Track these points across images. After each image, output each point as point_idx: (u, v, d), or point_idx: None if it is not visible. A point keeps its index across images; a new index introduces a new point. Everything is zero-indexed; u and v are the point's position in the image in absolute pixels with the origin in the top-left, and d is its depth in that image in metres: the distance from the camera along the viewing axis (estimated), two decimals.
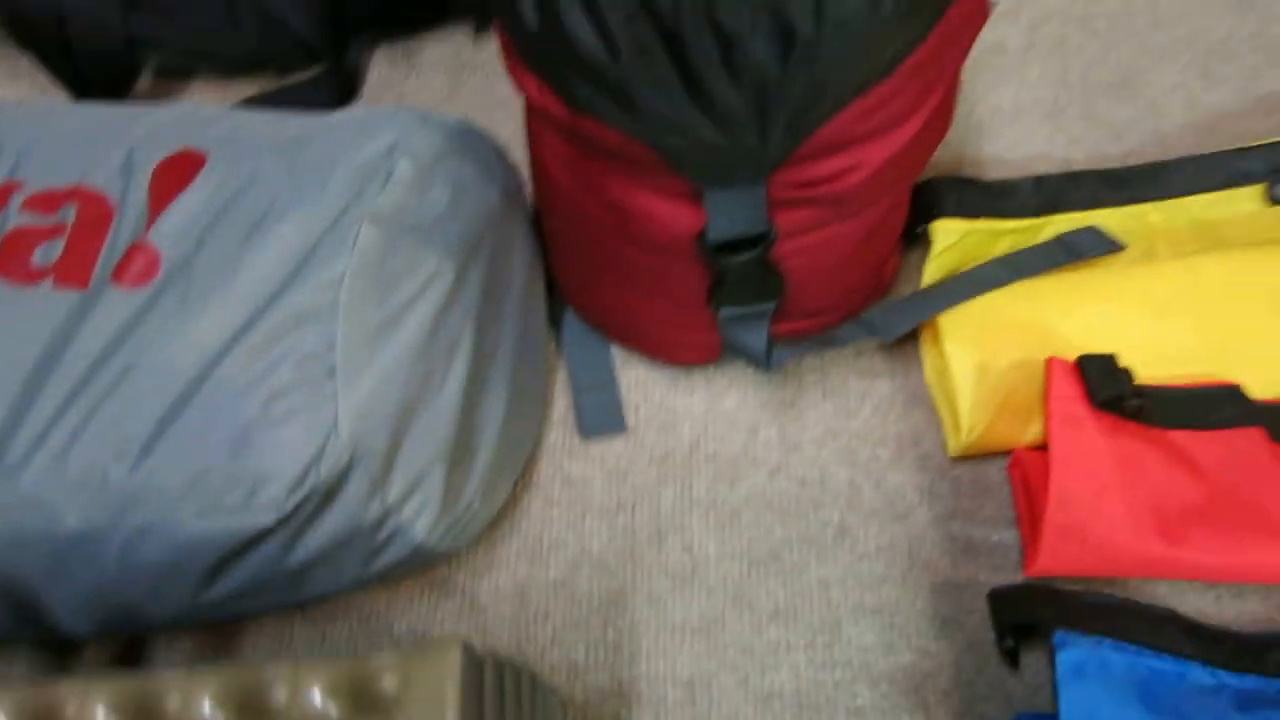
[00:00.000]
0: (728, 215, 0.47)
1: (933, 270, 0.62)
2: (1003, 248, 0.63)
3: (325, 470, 0.45)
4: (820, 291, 0.56)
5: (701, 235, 0.48)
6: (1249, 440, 0.53)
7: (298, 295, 0.47)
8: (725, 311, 0.53)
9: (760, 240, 0.49)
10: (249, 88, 0.77)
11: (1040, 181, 0.64)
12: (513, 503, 0.61)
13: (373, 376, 0.47)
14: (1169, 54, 0.72)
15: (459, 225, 0.52)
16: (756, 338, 0.54)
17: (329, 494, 0.46)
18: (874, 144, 0.46)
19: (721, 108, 0.42)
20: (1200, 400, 0.54)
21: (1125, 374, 0.53)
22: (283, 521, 0.46)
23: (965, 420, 0.57)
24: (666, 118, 0.42)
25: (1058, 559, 0.51)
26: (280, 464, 0.45)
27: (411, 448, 0.49)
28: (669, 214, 0.48)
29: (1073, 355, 0.55)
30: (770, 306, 0.53)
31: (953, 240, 0.62)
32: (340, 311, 0.47)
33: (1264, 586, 0.55)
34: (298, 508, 0.45)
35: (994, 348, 0.57)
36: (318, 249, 0.48)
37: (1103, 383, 0.52)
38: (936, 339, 0.59)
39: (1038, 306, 0.58)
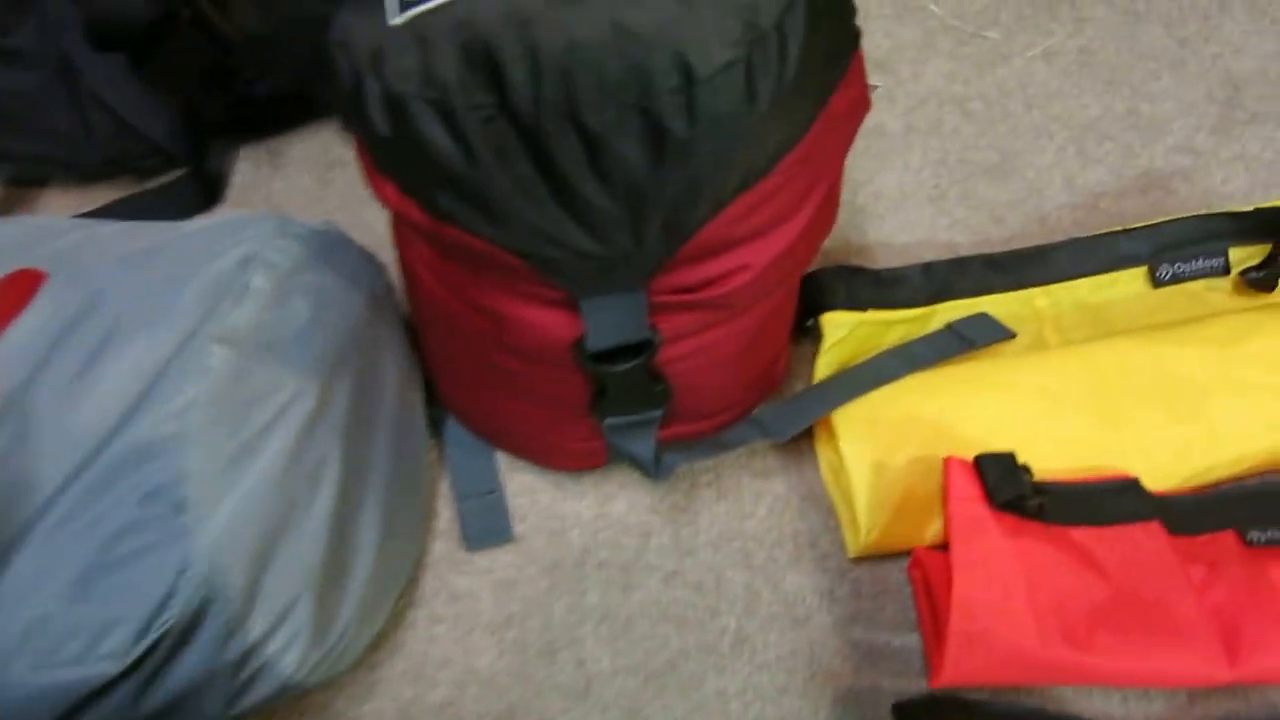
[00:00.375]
0: (606, 324, 0.45)
1: (824, 364, 0.60)
2: (894, 338, 0.62)
3: (177, 611, 0.41)
4: (709, 394, 0.54)
5: (580, 344, 0.46)
6: (1148, 535, 0.53)
7: (142, 425, 0.43)
8: (610, 420, 0.51)
9: (642, 348, 0.46)
10: (107, 194, 0.73)
11: (929, 269, 0.64)
12: (395, 621, 0.57)
13: (229, 508, 0.43)
14: (1044, 134, 0.72)
15: (321, 339, 0.48)
16: (644, 446, 0.51)
17: (183, 636, 0.42)
18: (758, 244, 0.44)
19: (592, 213, 0.39)
20: (1098, 495, 0.53)
21: (1025, 472, 0.52)
22: (131, 669, 0.41)
23: (863, 521, 0.55)
24: (533, 224, 0.39)
25: (963, 670, 0.49)
26: (125, 608, 0.41)
27: (275, 580, 0.45)
28: (544, 322, 0.45)
29: (970, 449, 0.53)
30: (657, 414, 0.51)
31: (843, 333, 0.61)
32: (190, 441, 0.43)
33: (1170, 689, 0.55)
34: (147, 653, 0.41)
35: (889, 444, 0.56)
36: (166, 373, 0.44)
37: (1003, 484, 0.50)
38: (831, 436, 0.58)
39: (932, 400, 0.57)
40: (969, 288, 0.63)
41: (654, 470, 0.52)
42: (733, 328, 0.49)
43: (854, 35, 0.42)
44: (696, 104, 0.36)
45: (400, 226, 0.48)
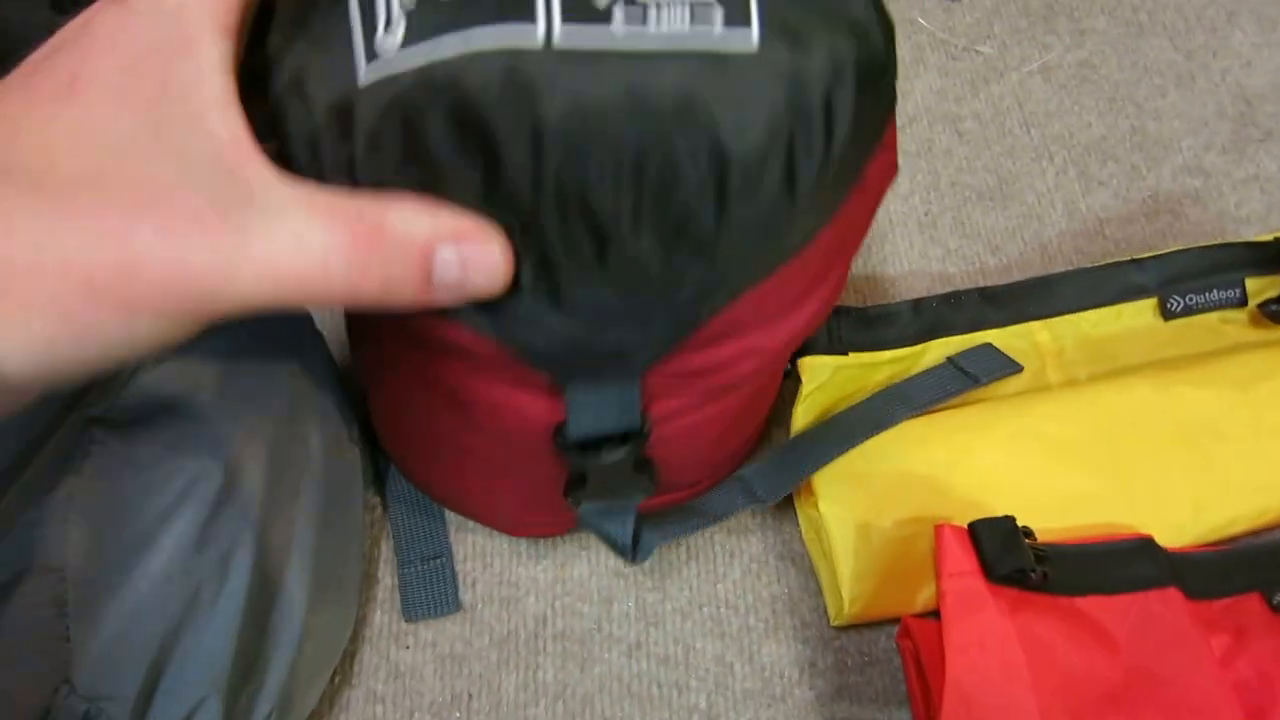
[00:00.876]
0: (593, 412, 0.37)
1: (802, 412, 0.54)
2: (880, 380, 0.56)
3: None
4: (695, 467, 0.49)
5: (560, 430, 0.39)
6: (1165, 603, 0.47)
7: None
8: (586, 506, 0.44)
9: (630, 437, 0.39)
10: None
11: (918, 305, 0.58)
12: (328, 701, 0.51)
13: (117, 611, 0.38)
14: (1043, 155, 0.67)
15: (227, 409, 0.42)
16: (622, 530, 0.45)
17: None
18: (773, 326, 0.37)
19: (589, 308, 0.32)
20: (1110, 558, 0.48)
21: (1025, 539, 0.46)
22: None
23: (847, 590, 0.50)
24: (519, 315, 0.32)
25: None
26: None
27: (176, 683, 0.39)
28: (519, 405, 0.38)
29: (964, 506, 0.48)
30: (638, 500, 0.44)
31: (824, 377, 0.55)
32: (68, 540, 0.37)
33: None
34: None
35: (875, 505, 0.50)
36: (34, 466, 0.38)
37: (1001, 555, 0.45)
38: (811, 495, 0.52)
39: (921, 452, 0.51)
40: (963, 323, 0.58)
41: (632, 557, 0.46)
42: (728, 403, 0.43)
43: (893, 96, 0.34)
44: (727, 192, 0.29)
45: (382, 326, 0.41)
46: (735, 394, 0.42)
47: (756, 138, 0.28)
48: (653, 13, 0.27)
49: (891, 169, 0.37)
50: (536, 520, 0.52)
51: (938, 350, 0.57)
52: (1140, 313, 0.59)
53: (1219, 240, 0.60)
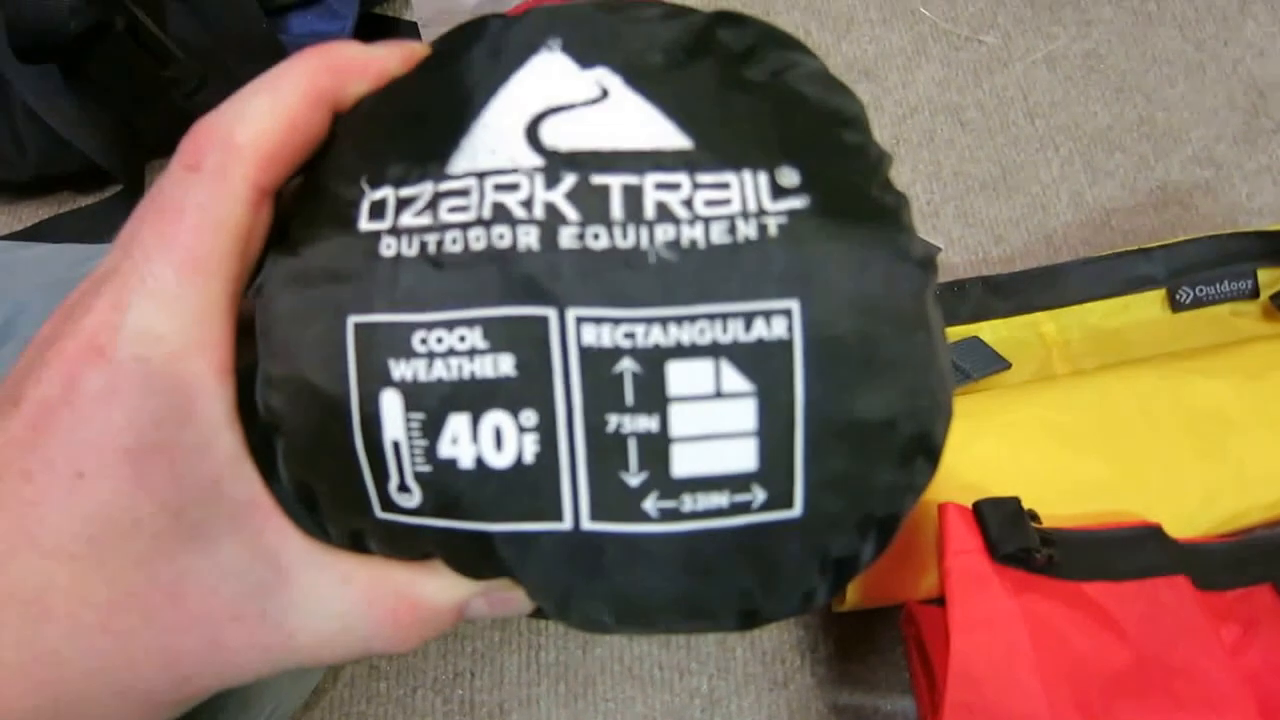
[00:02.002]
0: None
1: None
2: None
3: None
4: None
5: None
6: (1173, 591, 0.47)
7: None
8: None
9: None
10: (38, 212, 0.68)
11: None
12: (331, 676, 0.51)
13: None
14: (1048, 145, 0.67)
15: None
16: None
17: None
18: None
19: None
20: (1117, 545, 0.47)
21: (1031, 520, 0.46)
22: None
23: None
24: None
25: None
26: None
27: None
28: None
29: (969, 494, 0.47)
30: None
31: None
32: None
33: None
34: None
35: None
36: None
37: (1006, 534, 0.44)
38: None
39: None
40: (966, 312, 0.58)
41: None
42: None
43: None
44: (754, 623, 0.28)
45: None
46: None
47: (787, 603, 0.27)
48: (688, 496, 0.24)
49: None
50: None
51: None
52: (1149, 304, 0.59)
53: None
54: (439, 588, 0.26)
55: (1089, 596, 0.45)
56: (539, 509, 0.24)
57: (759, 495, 0.24)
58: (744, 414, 0.24)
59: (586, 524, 0.24)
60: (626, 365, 0.23)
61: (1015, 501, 0.46)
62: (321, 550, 0.25)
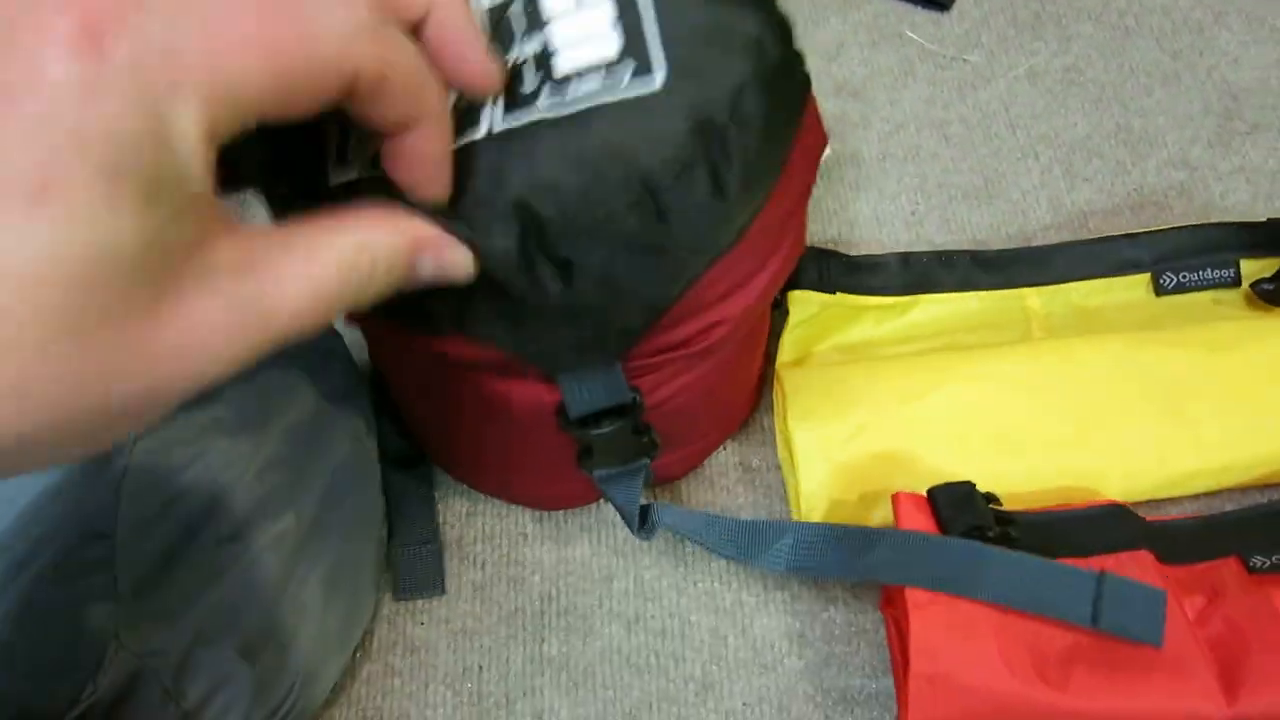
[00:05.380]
0: (585, 394, 0.43)
1: (790, 343, 0.58)
2: (866, 324, 0.59)
3: (106, 684, 0.40)
4: (696, 421, 0.52)
5: (560, 411, 0.44)
6: (1136, 565, 0.49)
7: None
8: (599, 472, 0.49)
9: (626, 410, 0.44)
10: None
11: (907, 259, 0.61)
12: (349, 675, 0.55)
13: (164, 589, 0.42)
14: (1029, 154, 0.69)
15: (260, 394, 0.47)
16: (630, 497, 0.49)
17: (113, 708, 0.41)
18: (732, 299, 0.42)
19: (567, 315, 0.38)
20: (1080, 523, 0.50)
21: (989, 502, 0.48)
22: None
23: (804, 490, 0.53)
24: (530, 332, 0.39)
25: (929, 714, 0.46)
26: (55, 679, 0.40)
27: (213, 646, 0.44)
28: (523, 393, 0.44)
29: (935, 445, 0.51)
30: (647, 461, 0.49)
31: (812, 311, 0.59)
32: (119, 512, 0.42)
33: None
34: None
35: (841, 419, 0.54)
36: None
37: (957, 515, 0.47)
38: (784, 411, 0.55)
39: (892, 383, 0.55)
40: (953, 283, 0.61)
41: (638, 529, 0.50)
42: (711, 363, 0.47)
43: (803, 85, 0.40)
44: (662, 208, 0.35)
45: (390, 339, 0.47)
46: (715, 355, 0.46)
47: (673, 163, 0.34)
48: (572, 85, 0.34)
49: (818, 142, 0.41)
50: (556, 494, 0.56)
51: (927, 305, 0.60)
52: (1132, 287, 0.61)
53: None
54: (389, 239, 0.28)
55: None
56: (466, 127, 0.33)
57: (627, 69, 0.34)
58: (604, 15, 0.34)
59: (499, 126, 0.33)
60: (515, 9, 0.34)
61: (968, 485, 0.49)
62: (282, 232, 0.26)
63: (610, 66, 0.34)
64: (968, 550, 0.46)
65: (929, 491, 0.48)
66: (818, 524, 0.48)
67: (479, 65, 0.31)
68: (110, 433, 0.23)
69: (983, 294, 0.61)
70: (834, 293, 0.59)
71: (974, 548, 0.46)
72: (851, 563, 0.47)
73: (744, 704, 0.53)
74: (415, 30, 0.29)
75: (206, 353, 0.23)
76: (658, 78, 0.34)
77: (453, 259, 0.32)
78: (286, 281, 0.25)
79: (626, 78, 0.34)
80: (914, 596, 0.45)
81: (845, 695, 0.52)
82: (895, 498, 0.48)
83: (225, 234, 0.24)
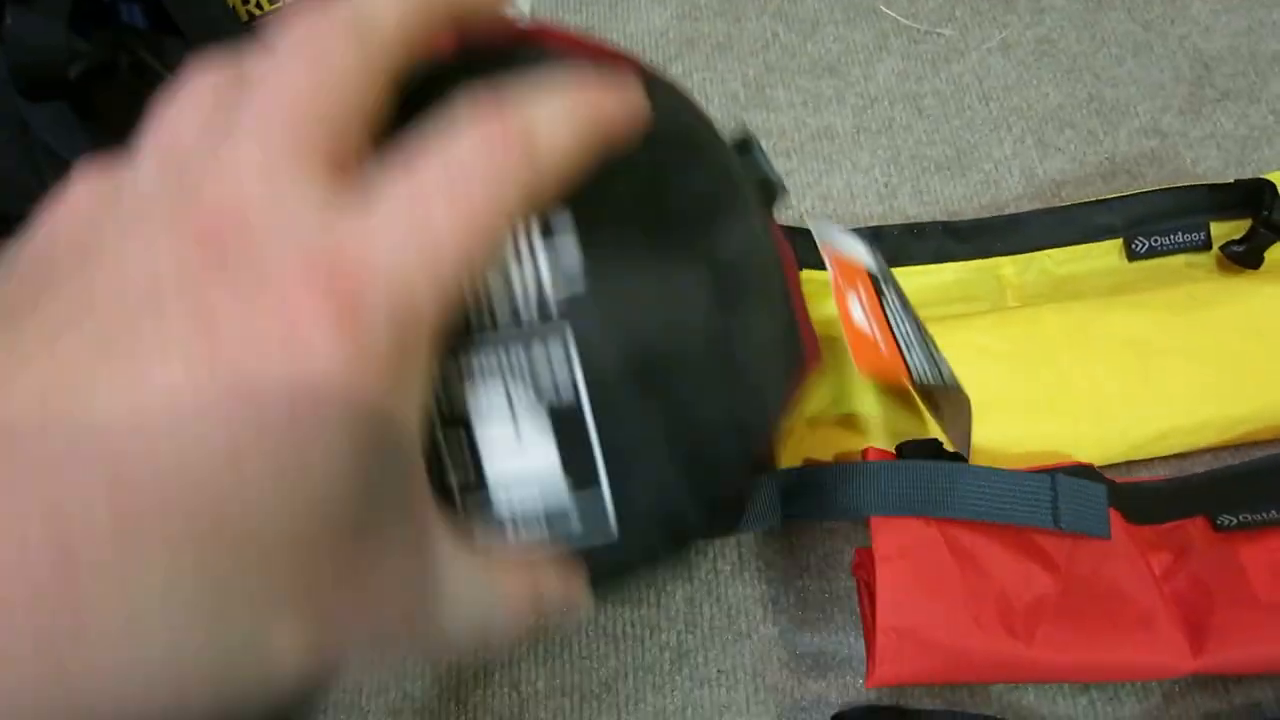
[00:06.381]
0: None
1: None
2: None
3: None
4: None
5: None
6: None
7: None
8: None
9: None
10: None
11: (879, 232, 0.61)
12: None
13: None
14: (1001, 125, 0.70)
15: None
16: None
17: None
18: None
19: None
20: None
21: (951, 457, 0.49)
22: None
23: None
24: None
25: (896, 669, 0.46)
26: None
27: None
28: None
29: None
30: None
31: None
32: None
33: (1140, 688, 0.50)
34: None
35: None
36: None
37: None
38: None
39: None
40: (926, 254, 0.61)
41: None
42: None
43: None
44: None
45: None
46: None
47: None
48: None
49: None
50: None
51: (901, 278, 0.60)
52: (1106, 253, 0.61)
53: None
54: (556, 577, 0.25)
55: (1016, 528, 0.48)
56: None
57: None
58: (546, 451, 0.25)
59: None
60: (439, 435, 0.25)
61: (935, 441, 0.49)
62: (466, 542, 0.23)
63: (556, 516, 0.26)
64: (937, 470, 0.47)
65: (897, 447, 0.49)
66: (789, 469, 0.49)
67: None
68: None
69: (957, 265, 0.61)
70: (801, 269, 0.59)
71: (944, 467, 0.47)
72: (827, 504, 0.48)
73: (719, 671, 0.53)
74: None
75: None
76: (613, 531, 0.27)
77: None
78: (466, 596, 0.22)
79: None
80: (882, 549, 0.46)
81: (819, 660, 0.53)
82: (865, 452, 0.49)
83: (427, 509, 0.22)
